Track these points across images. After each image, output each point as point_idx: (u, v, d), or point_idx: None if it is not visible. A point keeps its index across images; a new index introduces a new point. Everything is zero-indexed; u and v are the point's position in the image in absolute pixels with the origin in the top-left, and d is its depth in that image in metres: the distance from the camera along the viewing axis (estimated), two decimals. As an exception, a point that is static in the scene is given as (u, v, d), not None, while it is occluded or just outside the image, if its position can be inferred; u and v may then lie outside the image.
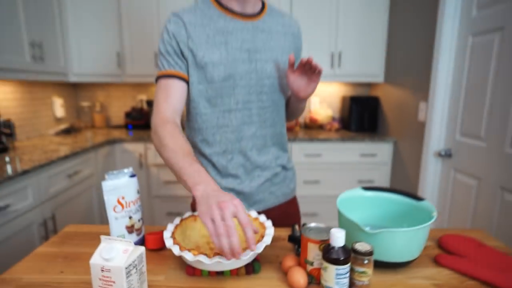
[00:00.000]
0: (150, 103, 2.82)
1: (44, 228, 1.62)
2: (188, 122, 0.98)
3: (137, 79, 2.62)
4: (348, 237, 0.68)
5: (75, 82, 2.67)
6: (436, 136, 1.92)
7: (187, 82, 0.90)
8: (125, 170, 0.75)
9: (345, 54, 2.59)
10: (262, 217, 0.77)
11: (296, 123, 2.81)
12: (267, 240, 0.65)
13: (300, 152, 2.45)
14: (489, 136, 1.54)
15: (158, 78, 0.89)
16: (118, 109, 3.01)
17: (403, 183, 2.32)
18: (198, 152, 0.98)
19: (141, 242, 0.78)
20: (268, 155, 0.99)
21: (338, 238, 0.55)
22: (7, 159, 1.65)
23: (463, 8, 1.72)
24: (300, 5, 2.51)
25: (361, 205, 0.83)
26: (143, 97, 2.95)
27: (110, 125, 3.01)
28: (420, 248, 0.68)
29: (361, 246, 0.59)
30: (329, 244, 0.58)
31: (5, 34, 1.72)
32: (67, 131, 2.56)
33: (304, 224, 0.71)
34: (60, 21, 2.24)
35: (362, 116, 2.73)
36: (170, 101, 0.87)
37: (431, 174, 1.97)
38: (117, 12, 2.51)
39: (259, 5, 0.95)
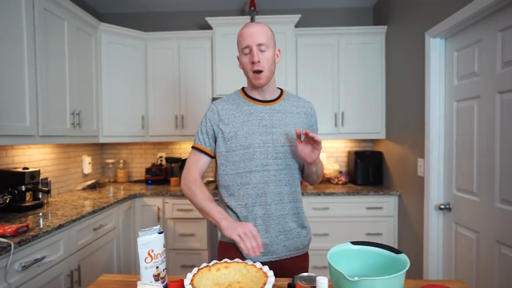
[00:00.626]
0: (169, 160, 3.07)
1: (70, 279, 1.76)
2: (218, 181, 1.27)
3: (158, 139, 2.91)
4: (336, 285, 0.82)
5: (104, 142, 2.98)
6: (435, 191, 2.04)
7: (210, 156, 1.25)
8: (154, 228, 0.93)
9: (347, 114, 2.83)
10: (266, 268, 0.92)
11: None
12: (268, 287, 0.80)
13: (308, 205, 2.58)
14: (480, 191, 1.67)
15: (193, 147, 1.26)
16: (139, 165, 3.27)
17: (410, 235, 2.38)
18: (225, 205, 1.24)
19: (164, 289, 0.93)
20: (284, 211, 1.21)
21: (322, 284, 0.70)
22: (44, 214, 1.86)
23: (446, 77, 1.95)
24: (305, 71, 2.83)
25: (351, 257, 0.97)
26: (163, 154, 3.21)
27: (131, 180, 3.24)
28: (397, 295, 0.80)
29: (342, 292, 0.73)
30: (316, 289, 0.72)
31: (53, 106, 2.04)
32: (93, 186, 2.79)
33: (297, 274, 0.85)
34: (96, 90, 2.60)
35: (367, 170, 2.88)
36: (199, 167, 1.25)
37: (434, 227, 2.05)
38: (144, 81, 2.88)
39: (278, 93, 1.30)
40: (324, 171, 3.03)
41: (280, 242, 1.20)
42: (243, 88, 1.31)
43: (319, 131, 2.80)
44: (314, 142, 1.09)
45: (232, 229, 1.01)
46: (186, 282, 0.83)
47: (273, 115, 1.22)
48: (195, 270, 0.91)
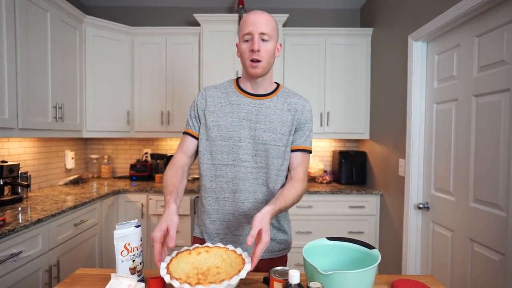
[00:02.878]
0: (154, 156, 3.05)
1: (48, 274, 1.74)
2: (199, 170, 1.24)
3: (144, 134, 2.89)
4: (310, 279, 0.84)
5: (88, 137, 2.94)
6: (415, 190, 2.09)
7: (198, 139, 1.21)
8: (132, 221, 0.93)
9: (332, 114, 2.87)
10: (245, 254, 0.91)
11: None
12: (242, 274, 0.80)
13: (292, 203, 2.60)
14: (456, 191, 1.72)
15: (184, 132, 1.24)
16: (124, 161, 3.24)
17: (390, 233, 2.44)
18: (200, 197, 1.22)
19: (141, 281, 0.93)
20: (258, 211, 1.07)
21: (293, 277, 0.72)
22: (22, 208, 1.83)
23: (427, 80, 2.00)
24: (291, 70, 2.85)
25: (326, 252, 0.99)
26: (148, 150, 3.19)
27: (116, 176, 3.21)
28: (368, 287, 0.83)
29: (313, 284, 0.75)
30: (288, 282, 0.74)
31: (34, 99, 2.01)
32: (75, 182, 2.75)
33: (272, 267, 0.87)
34: (80, 84, 2.56)
35: (351, 169, 2.92)
36: (183, 150, 1.22)
37: (413, 225, 2.10)
38: (130, 76, 2.85)
39: (273, 87, 1.22)
40: (309, 170, 3.06)
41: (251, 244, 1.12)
42: (238, 78, 1.25)
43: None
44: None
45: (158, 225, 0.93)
46: (163, 265, 0.83)
47: (260, 110, 1.16)
48: (174, 253, 0.90)
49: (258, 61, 1.10)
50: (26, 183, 2.04)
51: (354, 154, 2.95)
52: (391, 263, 2.41)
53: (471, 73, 1.60)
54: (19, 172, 2.05)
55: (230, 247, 0.94)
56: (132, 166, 3.00)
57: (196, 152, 1.23)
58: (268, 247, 1.18)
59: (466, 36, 1.63)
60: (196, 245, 0.95)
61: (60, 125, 2.27)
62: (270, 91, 1.21)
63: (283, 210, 1.08)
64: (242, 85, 1.21)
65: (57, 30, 2.24)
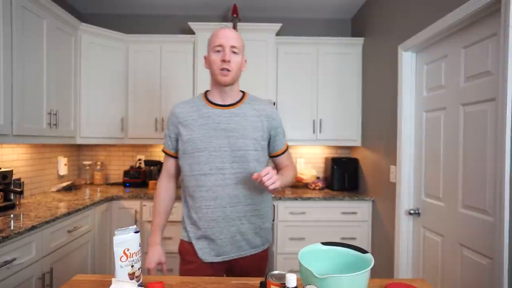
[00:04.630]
0: (147, 163, 3.05)
1: (42, 281, 1.72)
2: (182, 180, 1.33)
3: (137, 141, 2.89)
4: (306, 283, 0.86)
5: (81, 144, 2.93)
6: (406, 196, 2.14)
7: (176, 157, 1.32)
8: (131, 227, 0.94)
9: (325, 121, 2.92)
10: None
11: (283, 182, 3.03)
12: None
13: (285, 210, 2.63)
14: (445, 197, 1.77)
15: (163, 150, 1.36)
16: (117, 168, 3.23)
17: (382, 239, 2.47)
18: (185, 204, 1.31)
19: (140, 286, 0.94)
20: (241, 213, 1.24)
21: (290, 280, 0.74)
22: (15, 215, 1.81)
23: (417, 89, 2.07)
24: (285, 78, 2.90)
25: (321, 257, 1.02)
26: (142, 157, 3.19)
27: (109, 183, 3.19)
28: (362, 291, 0.85)
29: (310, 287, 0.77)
30: (285, 286, 0.76)
31: (29, 105, 2.01)
32: (68, 188, 2.73)
33: (269, 272, 0.89)
34: (75, 91, 2.56)
35: (343, 176, 2.97)
36: (167, 170, 1.38)
37: (404, 231, 2.15)
38: (125, 83, 2.87)
39: (239, 96, 1.31)
40: (302, 177, 3.10)
41: (235, 242, 1.25)
42: (206, 92, 1.33)
43: (297, 137, 2.89)
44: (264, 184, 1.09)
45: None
46: None
47: (231, 119, 1.24)
48: None
49: (228, 70, 1.20)
50: (19, 189, 2.02)
51: (346, 160, 3.00)
52: (383, 267, 2.45)
53: (458, 83, 1.66)
54: (12, 178, 2.04)
55: None
56: (126, 173, 2.99)
57: (179, 168, 1.34)
58: (250, 244, 1.28)
59: (454, 47, 1.70)
60: None
61: (54, 132, 2.27)
62: (237, 99, 1.30)
63: (284, 181, 1.25)
64: (210, 98, 1.29)
65: (53, 37, 2.25)
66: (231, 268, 1.31)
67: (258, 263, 1.33)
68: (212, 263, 1.26)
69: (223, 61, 1.18)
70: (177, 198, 2.54)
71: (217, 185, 1.20)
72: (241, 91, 1.33)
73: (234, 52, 1.20)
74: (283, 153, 1.37)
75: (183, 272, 1.27)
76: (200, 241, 1.25)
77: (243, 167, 1.22)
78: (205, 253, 1.24)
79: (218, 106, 1.26)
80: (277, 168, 1.40)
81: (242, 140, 1.21)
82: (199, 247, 1.25)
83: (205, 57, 1.27)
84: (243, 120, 1.24)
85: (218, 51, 1.20)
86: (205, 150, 1.20)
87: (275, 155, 1.37)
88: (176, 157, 1.32)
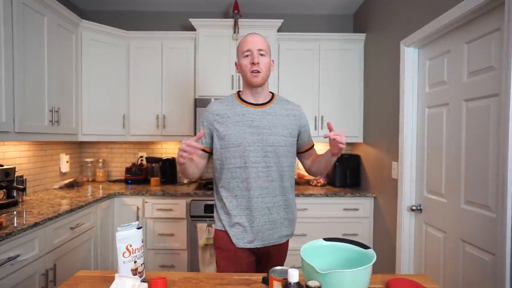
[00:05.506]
0: (149, 160, 3.05)
1: (45, 278, 1.73)
2: (214, 174, 1.44)
3: (139, 138, 2.90)
4: (308, 278, 0.86)
5: (83, 141, 2.94)
6: (408, 193, 2.13)
7: (208, 152, 1.41)
8: (133, 223, 0.95)
9: (327, 117, 2.91)
10: None
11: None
12: None
13: (287, 206, 2.63)
14: (448, 193, 1.77)
15: None
16: (119, 165, 3.23)
17: (384, 235, 2.47)
18: (218, 196, 1.40)
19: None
20: (271, 203, 1.35)
21: (292, 275, 0.74)
22: (18, 212, 1.82)
23: (419, 85, 2.05)
24: (286, 74, 2.89)
25: (323, 253, 1.02)
26: (144, 154, 3.19)
27: (111, 180, 3.20)
28: (364, 286, 0.85)
29: (312, 283, 0.77)
30: (287, 281, 0.76)
31: (31, 102, 2.01)
32: (71, 185, 2.74)
33: (271, 268, 0.89)
34: (76, 88, 2.56)
35: (345, 172, 2.96)
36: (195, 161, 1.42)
37: (407, 228, 2.14)
38: (126, 80, 2.87)
39: (269, 96, 1.44)
40: (303, 173, 3.10)
41: (265, 231, 1.35)
42: (238, 92, 1.45)
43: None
44: (334, 140, 1.18)
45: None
46: None
47: (263, 117, 1.35)
48: None
49: (258, 71, 1.32)
50: (22, 186, 2.03)
51: (348, 157, 2.99)
52: (385, 264, 2.45)
53: (461, 78, 1.65)
54: (15, 176, 2.05)
55: None
56: (128, 170, 3.00)
57: (205, 165, 1.44)
58: (278, 233, 1.38)
59: (456, 42, 1.69)
60: None
61: (56, 129, 2.27)
62: (268, 99, 1.42)
63: (331, 163, 1.40)
64: (244, 97, 1.41)
65: (54, 34, 2.25)
66: (260, 255, 1.41)
67: (284, 253, 1.46)
68: (244, 249, 1.36)
69: (253, 63, 1.30)
70: (177, 196, 2.55)
71: (251, 177, 1.32)
72: (270, 92, 1.45)
73: (261, 55, 1.32)
74: (311, 147, 1.53)
75: (220, 260, 1.39)
76: (234, 228, 1.35)
77: (274, 161, 1.34)
78: (239, 239, 1.35)
79: (251, 105, 1.38)
80: (307, 163, 1.54)
81: (273, 137, 1.33)
82: (233, 233, 1.35)
83: (236, 63, 1.41)
84: (274, 119, 1.36)
85: (247, 55, 1.33)
86: (241, 145, 1.31)
87: (304, 150, 1.51)
88: (206, 151, 1.41)
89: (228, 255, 1.36)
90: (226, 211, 1.37)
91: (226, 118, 1.35)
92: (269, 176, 1.34)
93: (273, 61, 1.41)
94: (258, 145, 1.32)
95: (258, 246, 1.36)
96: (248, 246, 1.35)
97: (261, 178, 1.33)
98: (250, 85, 1.36)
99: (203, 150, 1.39)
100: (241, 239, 1.35)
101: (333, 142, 1.21)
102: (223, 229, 1.39)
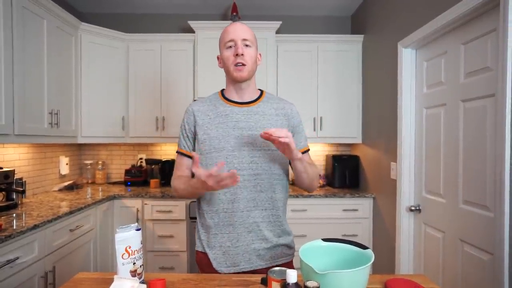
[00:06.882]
0: (149, 162, 3.06)
1: (44, 280, 1.73)
2: None
3: (139, 140, 2.90)
4: (307, 278, 0.87)
5: (83, 143, 2.94)
6: (406, 193, 2.14)
7: (191, 157, 1.20)
8: (132, 225, 0.95)
9: (325, 119, 2.92)
10: None
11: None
12: None
13: (287, 207, 2.63)
14: (446, 193, 1.77)
15: (177, 151, 1.25)
16: (118, 167, 3.24)
17: (383, 235, 2.48)
18: (199, 211, 1.22)
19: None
20: (259, 218, 1.14)
21: (291, 276, 0.75)
22: (17, 214, 1.82)
23: (417, 85, 2.06)
24: (285, 76, 2.90)
25: (322, 253, 1.02)
26: (143, 155, 3.20)
27: (110, 181, 3.20)
28: (362, 286, 0.86)
29: (310, 283, 0.78)
30: (285, 282, 0.77)
31: (31, 105, 2.01)
32: (70, 187, 2.75)
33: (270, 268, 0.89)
34: (75, 90, 2.57)
35: (344, 173, 2.97)
36: (181, 170, 1.23)
37: (406, 228, 2.15)
38: (125, 82, 2.87)
39: (257, 94, 1.24)
40: (303, 174, 3.10)
41: (252, 252, 1.14)
42: (222, 90, 1.26)
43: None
44: (277, 141, 1.01)
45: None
46: None
47: (250, 117, 1.17)
48: None
49: (243, 64, 1.13)
50: (21, 189, 2.03)
51: (347, 158, 3.00)
52: (384, 264, 2.45)
53: (458, 79, 1.66)
54: (14, 178, 2.05)
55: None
56: (127, 172, 3.00)
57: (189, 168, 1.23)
58: (270, 253, 1.17)
59: (453, 43, 1.70)
60: None
61: (55, 131, 2.28)
62: (255, 97, 1.23)
63: (303, 170, 1.14)
64: (227, 95, 1.22)
65: (53, 37, 2.26)
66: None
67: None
68: (231, 274, 1.13)
69: (236, 55, 1.12)
70: (176, 198, 2.55)
71: (235, 187, 1.11)
72: (259, 89, 1.28)
73: (246, 45, 1.14)
74: (304, 152, 1.26)
75: None
76: (213, 250, 1.15)
77: (262, 168, 1.14)
78: (220, 263, 1.15)
79: (236, 104, 1.19)
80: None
81: (262, 139, 1.13)
82: (213, 257, 1.15)
83: (218, 57, 1.22)
84: (262, 119, 1.17)
85: (230, 46, 1.14)
86: (223, 149, 1.13)
87: None
88: (191, 157, 1.22)
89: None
90: (207, 228, 1.17)
91: (208, 119, 1.17)
92: (256, 185, 1.13)
93: (260, 54, 1.22)
94: (244, 149, 1.13)
95: (245, 271, 1.14)
96: (232, 271, 1.13)
97: (247, 188, 1.12)
98: (234, 81, 1.17)
99: (187, 156, 1.22)
100: (223, 263, 1.14)
101: (277, 145, 1.04)
102: (202, 250, 1.19)
